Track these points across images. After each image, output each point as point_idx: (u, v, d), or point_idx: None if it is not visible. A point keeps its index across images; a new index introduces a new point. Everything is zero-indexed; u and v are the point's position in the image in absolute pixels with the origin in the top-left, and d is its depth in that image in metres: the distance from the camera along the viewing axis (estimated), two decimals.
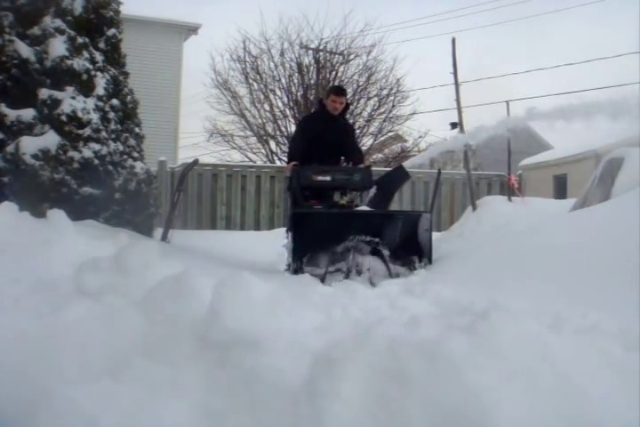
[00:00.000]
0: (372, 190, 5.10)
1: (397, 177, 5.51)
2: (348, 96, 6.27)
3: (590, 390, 1.47)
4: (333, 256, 4.41)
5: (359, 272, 4.40)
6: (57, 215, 2.92)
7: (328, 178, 4.93)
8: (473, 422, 1.39)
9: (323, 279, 4.27)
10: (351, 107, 16.04)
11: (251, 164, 15.15)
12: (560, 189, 15.77)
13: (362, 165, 5.39)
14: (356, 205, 5.14)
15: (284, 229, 6.14)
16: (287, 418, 1.58)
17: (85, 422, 1.62)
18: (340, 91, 5.77)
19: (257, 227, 11.23)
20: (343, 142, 5.53)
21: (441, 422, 1.43)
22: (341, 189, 5.12)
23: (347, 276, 4.36)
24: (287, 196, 5.85)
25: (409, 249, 4.57)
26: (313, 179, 4.92)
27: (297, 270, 4.37)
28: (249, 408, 1.63)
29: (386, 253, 4.46)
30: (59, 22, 4.99)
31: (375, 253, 4.49)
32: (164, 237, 5.69)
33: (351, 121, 15.41)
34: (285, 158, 16.22)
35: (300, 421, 1.56)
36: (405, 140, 19.33)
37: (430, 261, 4.54)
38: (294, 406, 1.59)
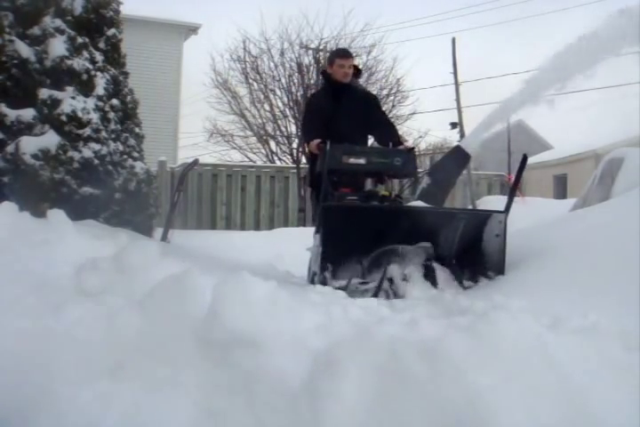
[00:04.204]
0: (425, 180, 4.20)
1: (456, 161, 4.42)
2: None
3: (590, 390, 1.47)
4: (374, 266, 3.49)
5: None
6: (57, 215, 2.92)
7: (362, 161, 3.90)
8: (473, 421, 1.39)
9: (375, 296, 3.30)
10: None
11: (251, 164, 15.14)
12: (560, 189, 15.79)
13: (402, 147, 4.31)
14: (400, 197, 4.16)
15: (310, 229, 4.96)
16: (287, 418, 1.58)
17: (85, 421, 1.62)
18: (344, 52, 4.69)
19: (257, 227, 11.24)
20: (367, 116, 4.49)
21: (441, 422, 1.43)
22: (378, 176, 4.12)
23: (389, 295, 3.38)
24: (309, 189, 4.80)
25: (469, 259, 3.60)
26: (343, 161, 3.86)
27: (325, 282, 3.44)
28: (249, 408, 1.63)
29: (436, 264, 3.54)
30: (59, 22, 4.98)
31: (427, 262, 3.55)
32: (164, 237, 5.69)
33: None
34: (285, 158, 16.28)
35: (300, 421, 1.56)
36: (405, 140, 19.34)
37: (502, 273, 3.54)
38: (294, 406, 1.59)
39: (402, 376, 1.52)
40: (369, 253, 3.48)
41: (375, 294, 3.30)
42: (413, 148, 4.38)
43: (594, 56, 3.54)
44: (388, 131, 4.56)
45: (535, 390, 1.44)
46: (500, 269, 3.55)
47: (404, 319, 2.06)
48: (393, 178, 4.25)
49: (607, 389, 1.49)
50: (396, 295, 3.34)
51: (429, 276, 3.47)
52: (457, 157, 4.42)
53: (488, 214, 3.72)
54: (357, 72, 4.64)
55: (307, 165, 13.10)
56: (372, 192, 4.01)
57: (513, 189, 3.84)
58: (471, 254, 3.61)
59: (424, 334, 1.64)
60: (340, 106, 4.40)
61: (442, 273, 3.51)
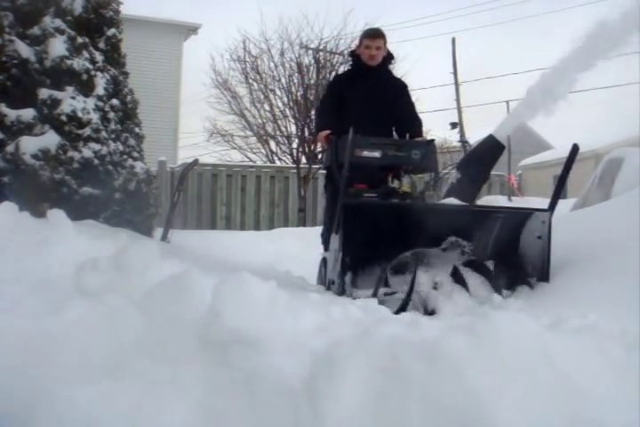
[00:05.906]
0: (455, 175, 3.91)
1: (489, 153, 4.05)
2: None
3: (590, 390, 1.47)
4: (399, 272, 3.12)
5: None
6: (57, 215, 2.92)
7: (377, 154, 3.54)
8: (473, 421, 1.39)
9: (402, 309, 2.85)
10: None
11: (251, 164, 15.15)
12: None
13: (421, 139, 4.00)
14: (423, 194, 3.98)
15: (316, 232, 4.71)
16: (287, 418, 1.58)
17: (85, 422, 1.62)
18: (374, 32, 4.19)
19: (257, 227, 11.25)
20: (392, 105, 4.09)
21: (441, 422, 1.43)
22: (395, 171, 3.75)
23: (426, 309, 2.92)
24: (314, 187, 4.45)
25: (504, 264, 3.20)
26: (356, 154, 3.45)
27: (345, 291, 3.10)
28: (249, 408, 1.63)
29: (490, 265, 3.14)
30: (59, 22, 4.98)
31: (468, 266, 3.16)
32: (164, 237, 5.70)
33: None
34: (285, 158, 16.29)
35: (300, 421, 1.56)
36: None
37: (547, 279, 3.15)
38: (294, 406, 1.59)
39: (402, 376, 1.52)
40: (394, 257, 3.13)
41: (403, 308, 2.87)
42: (433, 140, 3.96)
43: (621, 37, 3.35)
44: (414, 126, 4.17)
45: (535, 390, 1.44)
46: (543, 276, 3.18)
47: (404, 319, 2.06)
48: (411, 173, 3.85)
49: (607, 389, 1.49)
50: (426, 310, 2.92)
51: (484, 273, 3.12)
52: (490, 149, 4.07)
53: (528, 213, 3.33)
54: (389, 57, 4.21)
55: (306, 166, 13.10)
56: (392, 189, 3.68)
57: (560, 184, 3.35)
58: (506, 258, 3.23)
59: (424, 334, 1.64)
60: (364, 92, 4.01)
61: (474, 281, 3.08)
